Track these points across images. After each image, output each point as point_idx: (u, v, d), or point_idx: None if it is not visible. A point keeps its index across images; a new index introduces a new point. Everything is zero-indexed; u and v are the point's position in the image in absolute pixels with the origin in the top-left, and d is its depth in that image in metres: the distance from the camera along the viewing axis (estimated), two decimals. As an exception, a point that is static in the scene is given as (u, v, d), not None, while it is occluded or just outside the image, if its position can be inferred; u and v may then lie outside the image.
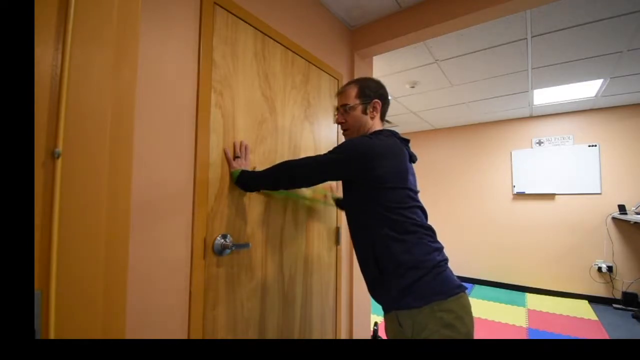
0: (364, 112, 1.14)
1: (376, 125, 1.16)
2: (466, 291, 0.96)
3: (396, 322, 0.95)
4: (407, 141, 1.14)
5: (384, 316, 1.03)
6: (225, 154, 1.17)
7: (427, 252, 0.96)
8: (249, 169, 1.21)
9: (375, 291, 1.04)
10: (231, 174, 1.17)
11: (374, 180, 0.99)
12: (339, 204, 1.61)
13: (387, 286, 0.97)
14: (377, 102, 1.15)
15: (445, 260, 1.00)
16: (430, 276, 0.93)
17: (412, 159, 1.14)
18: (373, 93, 1.15)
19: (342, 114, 1.17)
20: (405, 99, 3.49)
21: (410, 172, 1.07)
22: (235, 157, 1.19)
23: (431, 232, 1.03)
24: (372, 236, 1.01)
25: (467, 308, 0.93)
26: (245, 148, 1.22)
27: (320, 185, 1.65)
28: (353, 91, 1.16)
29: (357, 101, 1.14)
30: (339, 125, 1.19)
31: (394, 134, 1.12)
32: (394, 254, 0.96)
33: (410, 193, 1.03)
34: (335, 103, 1.80)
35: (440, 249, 1.01)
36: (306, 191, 1.54)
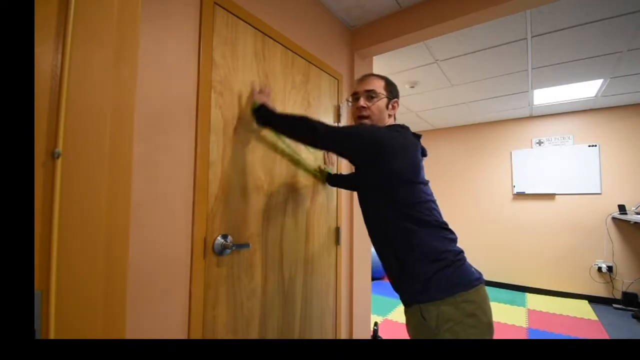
0: (387, 106, 1.15)
1: (392, 123, 1.18)
2: (484, 282, 0.98)
3: (419, 315, 0.94)
4: (419, 137, 1.14)
5: (405, 311, 1.03)
6: (252, 86, 1.23)
7: (446, 244, 0.98)
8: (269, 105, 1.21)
9: (398, 286, 1.03)
10: (252, 104, 1.19)
11: (390, 173, 0.98)
12: (329, 179, 1.61)
13: (410, 280, 0.97)
14: (397, 102, 1.18)
15: (463, 252, 1.01)
16: (452, 268, 0.94)
17: (424, 153, 1.15)
18: (395, 92, 1.19)
19: (366, 99, 1.13)
20: (405, 99, 3.49)
21: (422, 166, 1.08)
22: (260, 91, 1.23)
23: (446, 226, 1.04)
24: (391, 232, 1.01)
25: (486, 299, 0.96)
26: (269, 92, 1.26)
27: (314, 159, 1.62)
28: (381, 83, 1.16)
29: (385, 93, 1.14)
30: (356, 112, 1.15)
31: (406, 128, 1.12)
32: (415, 247, 0.96)
33: (424, 188, 1.04)
34: (336, 103, 1.81)
35: (456, 241, 1.03)
36: (306, 158, 1.54)
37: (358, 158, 1.05)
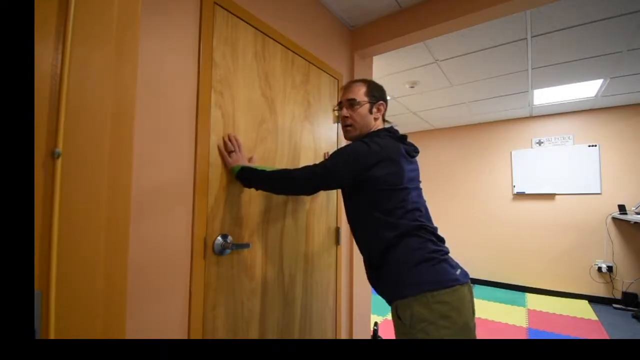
0: (370, 111, 1.15)
1: (378, 126, 1.17)
2: (468, 284, 0.98)
3: (395, 314, 0.98)
4: (404, 138, 1.15)
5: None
6: (219, 150, 1.14)
7: (420, 245, 0.99)
8: (246, 162, 1.19)
9: (375, 285, 1.08)
10: (231, 170, 1.15)
11: (368, 183, 1.01)
12: None
13: (384, 279, 1.02)
14: (382, 104, 1.18)
15: (442, 251, 1.01)
16: (424, 266, 0.96)
17: (412, 153, 1.14)
18: (379, 95, 1.18)
19: (348, 108, 1.15)
20: (405, 99, 3.48)
21: (408, 169, 1.07)
22: (230, 151, 1.16)
23: (432, 230, 1.04)
24: (368, 234, 1.05)
25: (463, 300, 0.94)
26: (237, 141, 1.18)
27: None
28: (361, 89, 1.16)
29: (366, 99, 1.14)
30: (342, 121, 1.18)
31: (389, 132, 1.12)
32: (388, 251, 1.00)
33: (407, 192, 1.04)
34: (335, 103, 1.81)
35: (437, 243, 1.03)
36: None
37: (343, 184, 1.09)
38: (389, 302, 1.03)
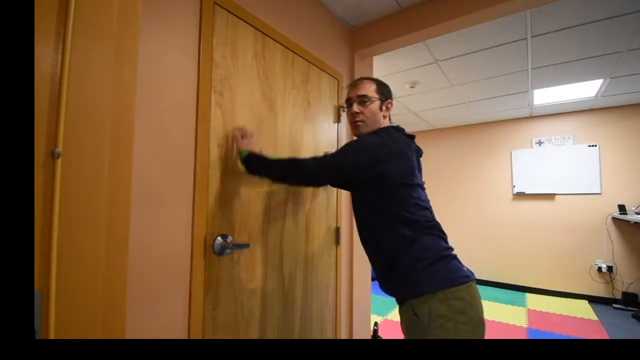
0: (380, 108, 1.17)
1: (386, 125, 1.19)
2: (474, 281, 1.00)
3: (411, 312, 0.97)
4: (412, 137, 1.16)
5: (398, 309, 1.05)
6: (234, 134, 1.17)
7: (434, 241, 1.01)
8: (256, 150, 1.19)
9: (387, 285, 1.07)
10: (239, 153, 1.16)
11: (383, 178, 1.01)
12: None
13: (400, 278, 1.00)
14: (390, 103, 1.20)
15: (452, 249, 1.03)
16: (440, 263, 0.97)
17: (419, 153, 1.16)
18: (388, 93, 1.20)
19: (359, 104, 1.16)
20: (405, 99, 3.48)
21: (417, 167, 1.09)
22: (243, 136, 1.18)
23: (436, 224, 1.06)
24: (379, 231, 1.04)
25: (476, 295, 0.98)
26: (251, 134, 1.21)
27: None
28: (372, 86, 1.18)
29: (377, 96, 1.16)
30: (351, 117, 1.18)
31: (399, 129, 1.14)
32: (403, 246, 1.00)
33: (416, 190, 1.05)
34: (336, 103, 1.81)
35: (447, 241, 1.05)
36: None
37: (355, 177, 1.06)
38: (401, 301, 1.02)
